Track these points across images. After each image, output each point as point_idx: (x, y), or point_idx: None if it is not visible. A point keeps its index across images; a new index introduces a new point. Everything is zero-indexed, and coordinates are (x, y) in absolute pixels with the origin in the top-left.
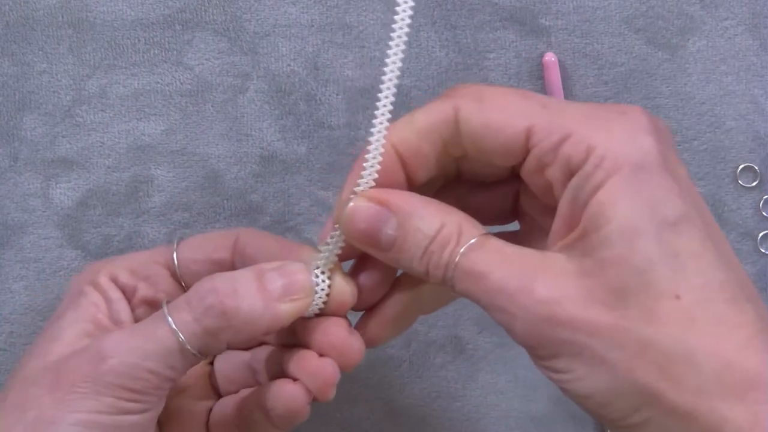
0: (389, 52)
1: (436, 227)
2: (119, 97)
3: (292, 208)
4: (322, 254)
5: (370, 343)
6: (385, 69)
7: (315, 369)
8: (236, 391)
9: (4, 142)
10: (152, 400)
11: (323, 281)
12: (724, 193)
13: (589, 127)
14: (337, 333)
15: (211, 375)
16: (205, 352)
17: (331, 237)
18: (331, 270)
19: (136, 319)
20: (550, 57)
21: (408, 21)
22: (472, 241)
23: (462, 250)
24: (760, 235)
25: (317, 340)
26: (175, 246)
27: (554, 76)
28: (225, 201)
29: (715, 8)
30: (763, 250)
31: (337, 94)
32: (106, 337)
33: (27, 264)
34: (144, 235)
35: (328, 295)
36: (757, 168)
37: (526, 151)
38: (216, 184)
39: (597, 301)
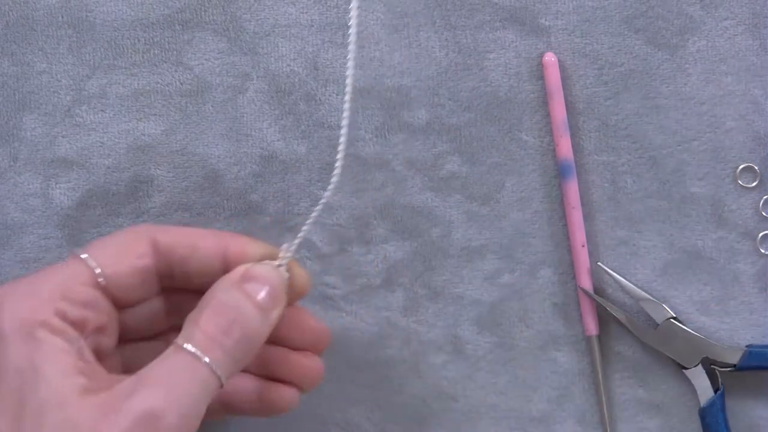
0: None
1: None
2: (119, 97)
3: (292, 208)
4: (286, 252)
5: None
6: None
7: (309, 371)
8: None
9: (4, 142)
10: None
11: (285, 272)
12: (724, 193)
13: None
14: (310, 323)
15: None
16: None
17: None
18: (289, 262)
19: (94, 351)
20: (550, 57)
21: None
22: None
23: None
24: (760, 235)
25: (295, 336)
26: (88, 263)
27: (554, 76)
28: (225, 201)
29: (715, 8)
30: (763, 250)
31: (337, 94)
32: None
33: (27, 264)
34: None
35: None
36: (757, 168)
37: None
38: (216, 184)
39: None
